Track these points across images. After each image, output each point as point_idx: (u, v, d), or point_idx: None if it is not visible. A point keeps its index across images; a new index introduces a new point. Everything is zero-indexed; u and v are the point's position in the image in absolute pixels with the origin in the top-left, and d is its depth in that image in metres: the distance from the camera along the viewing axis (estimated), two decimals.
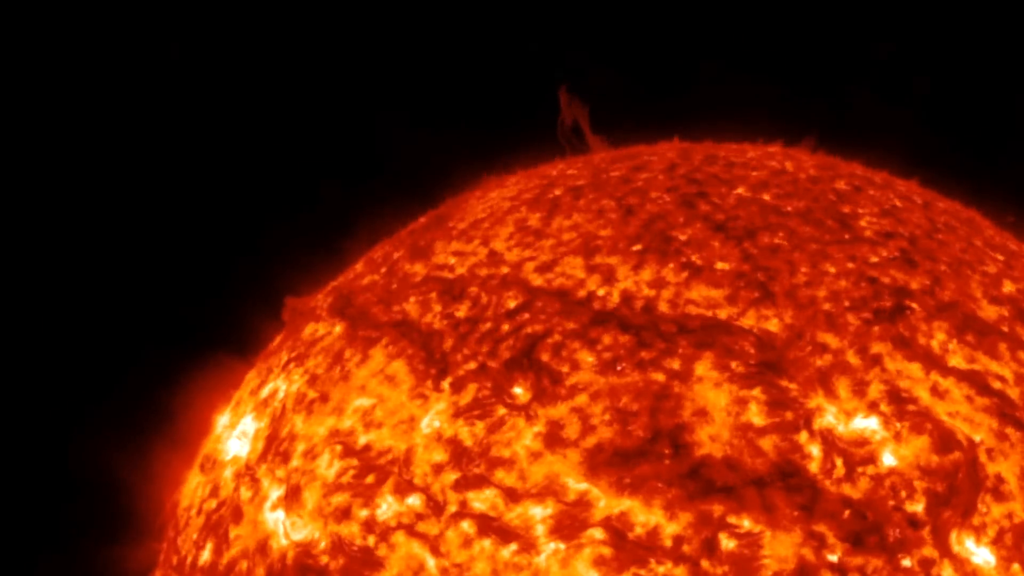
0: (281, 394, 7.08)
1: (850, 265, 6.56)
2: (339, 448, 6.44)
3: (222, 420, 7.65)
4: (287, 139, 11.03)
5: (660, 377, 6.07)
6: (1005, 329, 6.55)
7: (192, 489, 7.45)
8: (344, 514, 6.26)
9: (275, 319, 8.08)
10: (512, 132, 10.08)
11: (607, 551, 5.78)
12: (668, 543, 5.76)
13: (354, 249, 8.09)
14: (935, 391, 6.14)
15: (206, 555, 6.92)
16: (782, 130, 8.20)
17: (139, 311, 10.73)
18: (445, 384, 6.33)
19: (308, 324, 7.43)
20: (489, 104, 11.16)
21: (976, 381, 6.23)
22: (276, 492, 6.63)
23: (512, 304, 6.52)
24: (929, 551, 5.83)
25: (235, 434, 7.30)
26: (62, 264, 10.68)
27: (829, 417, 6.01)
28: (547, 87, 9.20)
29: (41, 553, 10.07)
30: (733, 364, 6.07)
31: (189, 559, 7.06)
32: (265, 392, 7.25)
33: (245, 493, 6.82)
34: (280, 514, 6.55)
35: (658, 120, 8.64)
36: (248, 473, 6.90)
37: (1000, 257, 7.19)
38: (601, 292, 6.45)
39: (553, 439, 6.02)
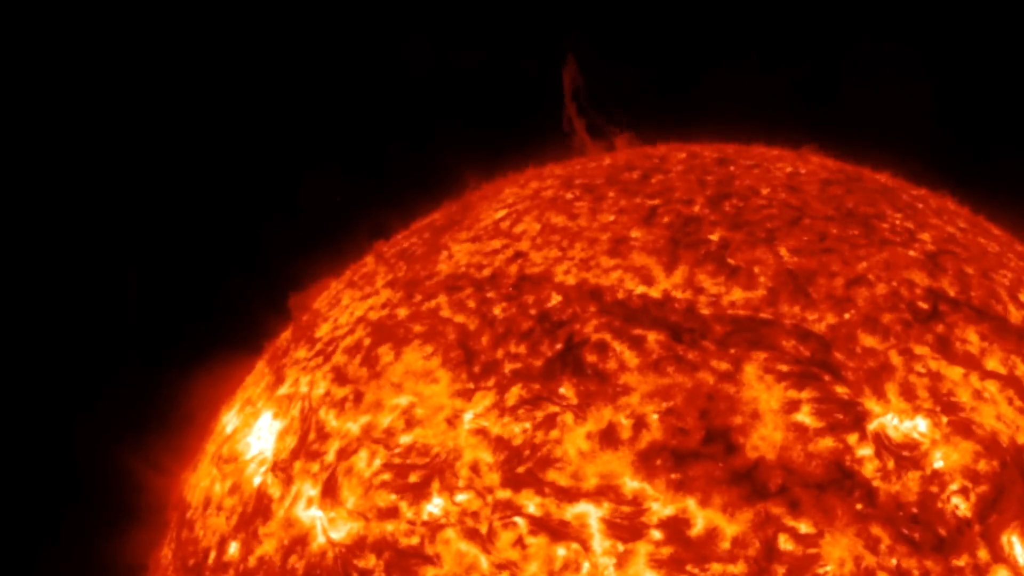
0: (304, 391, 6.99)
1: (883, 268, 6.59)
2: (379, 446, 6.38)
3: (232, 417, 7.57)
4: (288, 138, 10.97)
5: (709, 378, 6.07)
6: None
7: (207, 486, 7.36)
8: (390, 512, 6.20)
9: (277, 317, 8.04)
10: (513, 131, 10.09)
11: (665, 551, 5.79)
12: (726, 544, 5.77)
13: (354, 249, 8.06)
14: (977, 394, 6.19)
15: (232, 551, 6.84)
16: (785, 131, 8.26)
17: (141, 309, 10.65)
18: (489, 383, 6.29)
19: (321, 323, 7.38)
20: (490, 103, 11.15)
21: (1014, 384, 6.28)
22: (311, 490, 6.55)
23: (549, 304, 6.47)
24: (981, 552, 5.88)
25: (254, 431, 7.21)
26: (65, 263, 10.58)
27: (879, 420, 6.04)
28: (552, 85, 9.23)
29: (45, 548, 9.98)
30: (781, 366, 6.09)
31: (212, 555, 6.98)
32: (284, 390, 7.17)
33: (274, 491, 6.74)
34: (317, 511, 6.47)
35: (659, 120, 8.67)
36: (276, 471, 6.82)
37: (1015, 261, 7.25)
38: (639, 292, 6.43)
39: (605, 438, 5.99)
